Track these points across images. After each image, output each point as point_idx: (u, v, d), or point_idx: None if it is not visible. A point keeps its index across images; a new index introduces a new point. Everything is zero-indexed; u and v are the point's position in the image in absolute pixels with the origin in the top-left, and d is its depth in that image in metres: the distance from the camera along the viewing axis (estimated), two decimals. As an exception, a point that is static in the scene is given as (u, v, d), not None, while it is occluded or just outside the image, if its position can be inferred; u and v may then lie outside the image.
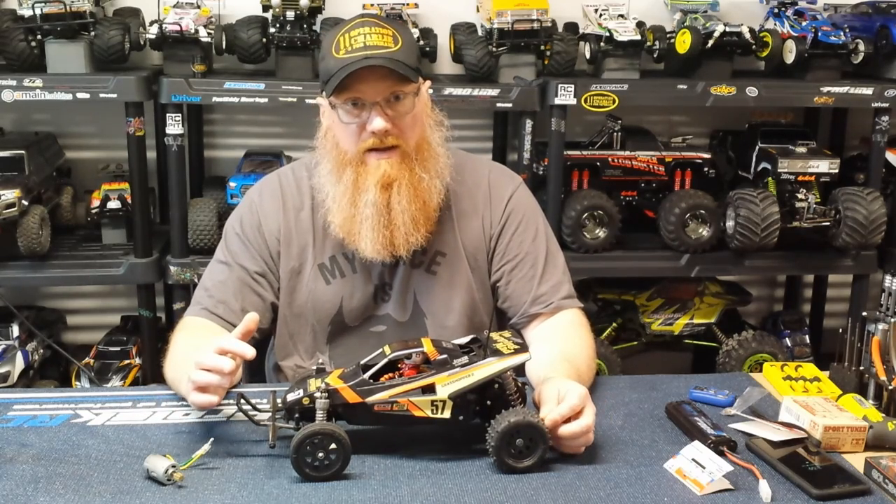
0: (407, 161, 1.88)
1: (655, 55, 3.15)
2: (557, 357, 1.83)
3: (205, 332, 1.89)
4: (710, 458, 1.54)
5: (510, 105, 2.99)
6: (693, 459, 1.55)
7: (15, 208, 2.76)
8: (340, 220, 1.91)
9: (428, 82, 1.96)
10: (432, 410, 1.55)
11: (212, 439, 1.57)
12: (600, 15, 3.16)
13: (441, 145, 1.95)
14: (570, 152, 3.13)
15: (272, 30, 3.02)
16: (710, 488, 1.50)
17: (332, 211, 1.92)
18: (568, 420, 1.58)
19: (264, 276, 1.99)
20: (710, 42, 3.04)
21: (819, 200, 3.11)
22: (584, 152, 3.19)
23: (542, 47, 3.08)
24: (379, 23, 1.87)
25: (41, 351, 3.11)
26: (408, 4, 3.22)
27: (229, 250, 2.01)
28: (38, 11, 2.86)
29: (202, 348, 1.63)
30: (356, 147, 1.87)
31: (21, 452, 1.60)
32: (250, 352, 1.60)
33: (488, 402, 1.60)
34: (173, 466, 1.49)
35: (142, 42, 3.01)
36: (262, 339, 2.05)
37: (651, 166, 3.19)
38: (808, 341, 3.41)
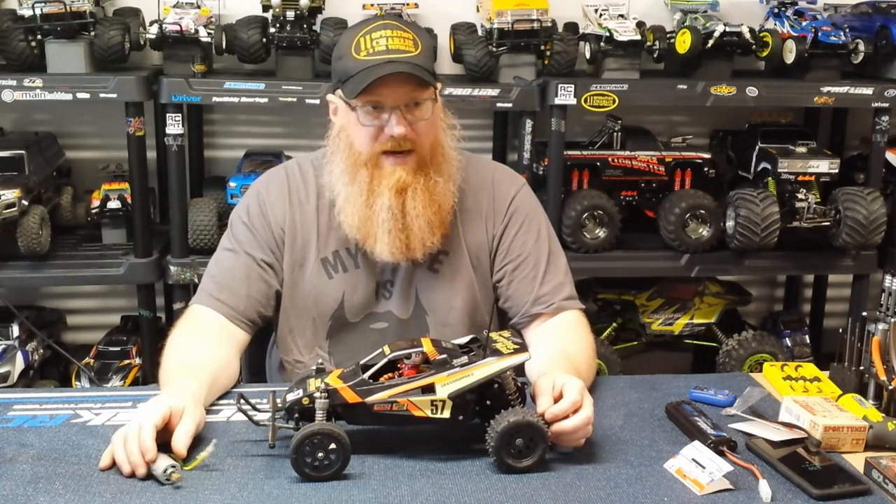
0: (422, 166, 1.89)
1: (655, 55, 3.15)
2: (557, 355, 1.83)
3: (200, 338, 1.88)
4: (710, 458, 1.54)
5: (510, 105, 2.99)
6: (693, 459, 1.55)
7: (15, 208, 2.76)
8: (357, 221, 1.90)
9: (439, 85, 1.95)
10: (432, 410, 1.55)
11: (214, 440, 1.57)
12: (600, 15, 3.16)
13: (453, 149, 1.96)
14: (570, 152, 3.13)
15: (272, 30, 3.02)
16: (710, 488, 1.50)
17: (345, 211, 1.92)
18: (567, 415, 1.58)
19: (271, 265, 1.99)
20: (710, 42, 3.04)
21: (819, 200, 3.11)
22: (584, 152, 3.19)
23: (542, 47, 3.08)
24: (400, 26, 1.88)
25: (41, 351, 3.11)
26: (408, 4, 3.22)
27: (236, 238, 2.01)
28: (38, 11, 2.86)
29: (143, 413, 1.57)
30: (371, 149, 1.87)
31: (21, 452, 1.60)
32: (150, 455, 1.49)
33: (488, 402, 1.60)
34: (172, 466, 1.49)
35: (142, 42, 3.01)
36: (263, 327, 2.05)
37: (651, 166, 3.19)
38: (808, 341, 3.41)
